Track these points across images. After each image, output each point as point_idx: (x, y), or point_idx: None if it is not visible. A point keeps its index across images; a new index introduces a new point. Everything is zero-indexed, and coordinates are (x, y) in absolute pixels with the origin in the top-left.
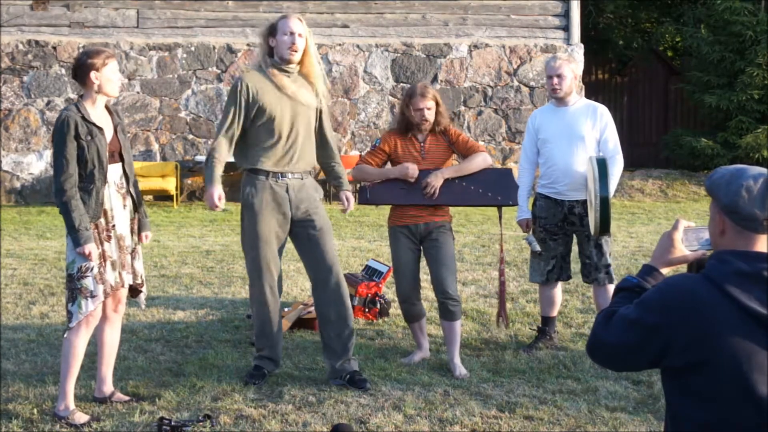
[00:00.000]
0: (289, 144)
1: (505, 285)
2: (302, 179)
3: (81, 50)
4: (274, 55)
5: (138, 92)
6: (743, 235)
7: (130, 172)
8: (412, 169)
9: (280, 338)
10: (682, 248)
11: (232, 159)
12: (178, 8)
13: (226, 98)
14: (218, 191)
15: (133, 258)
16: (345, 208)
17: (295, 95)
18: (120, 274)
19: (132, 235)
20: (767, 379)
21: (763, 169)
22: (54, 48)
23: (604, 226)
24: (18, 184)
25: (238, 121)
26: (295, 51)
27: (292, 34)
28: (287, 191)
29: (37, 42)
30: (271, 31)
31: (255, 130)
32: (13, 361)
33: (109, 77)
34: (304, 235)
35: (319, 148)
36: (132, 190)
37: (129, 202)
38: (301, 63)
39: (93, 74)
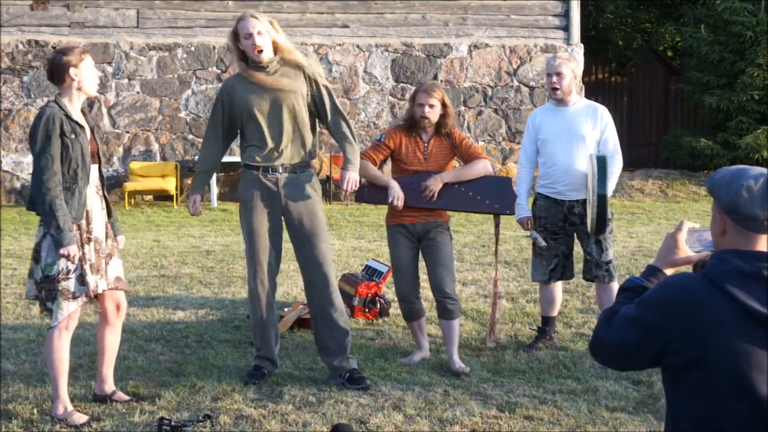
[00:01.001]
0: (275, 136)
1: (497, 306)
2: (295, 173)
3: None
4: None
5: (138, 92)
6: (744, 234)
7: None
8: (399, 200)
9: (274, 335)
10: (686, 249)
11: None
12: (178, 8)
13: None
14: (196, 198)
15: (106, 264)
16: (343, 188)
17: (275, 84)
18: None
19: (107, 240)
20: (767, 377)
21: (763, 169)
22: (54, 48)
23: (601, 224)
24: (18, 184)
25: (217, 127)
26: (261, 50)
27: (250, 35)
28: (276, 185)
29: (37, 42)
30: (235, 36)
31: (246, 128)
32: (13, 361)
33: (87, 74)
34: (294, 232)
35: (327, 125)
36: (105, 192)
37: (104, 204)
38: (278, 53)
39: (72, 71)
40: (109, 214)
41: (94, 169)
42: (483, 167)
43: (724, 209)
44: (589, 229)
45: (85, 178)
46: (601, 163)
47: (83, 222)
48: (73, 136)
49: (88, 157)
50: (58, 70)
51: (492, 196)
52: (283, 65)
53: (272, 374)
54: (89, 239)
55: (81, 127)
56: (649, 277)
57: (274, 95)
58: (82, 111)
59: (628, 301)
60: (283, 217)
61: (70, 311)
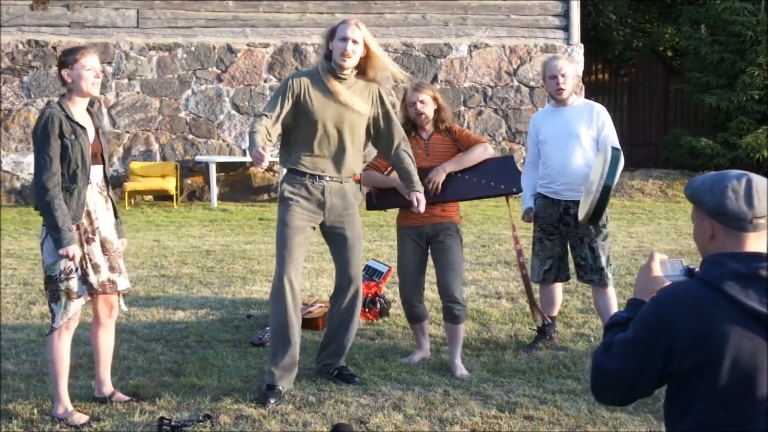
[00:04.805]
0: (331, 149)
1: (529, 278)
2: (341, 183)
3: None
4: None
5: (138, 92)
6: (733, 235)
7: (108, 175)
8: (421, 204)
9: (295, 344)
10: (662, 276)
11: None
12: (178, 8)
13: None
14: (258, 149)
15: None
16: (415, 208)
17: (347, 102)
18: (108, 278)
19: (118, 239)
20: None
21: (742, 171)
22: (54, 48)
23: (596, 215)
24: (18, 184)
25: (281, 109)
26: (348, 57)
27: (345, 39)
28: (323, 193)
29: (37, 42)
30: (331, 34)
31: (298, 130)
32: (13, 361)
33: (81, 74)
34: (333, 240)
35: (384, 147)
36: (111, 193)
37: (110, 205)
38: (366, 69)
39: (64, 72)
40: (115, 216)
41: (97, 170)
42: (483, 151)
43: (711, 213)
44: (581, 217)
45: (85, 178)
46: (616, 155)
47: (84, 221)
48: (73, 137)
49: (88, 158)
50: (58, 72)
51: (497, 178)
52: (358, 79)
53: (288, 393)
54: (91, 239)
55: (82, 128)
56: (633, 311)
57: (342, 109)
58: (89, 111)
59: (617, 335)
60: (323, 224)
61: (74, 311)
